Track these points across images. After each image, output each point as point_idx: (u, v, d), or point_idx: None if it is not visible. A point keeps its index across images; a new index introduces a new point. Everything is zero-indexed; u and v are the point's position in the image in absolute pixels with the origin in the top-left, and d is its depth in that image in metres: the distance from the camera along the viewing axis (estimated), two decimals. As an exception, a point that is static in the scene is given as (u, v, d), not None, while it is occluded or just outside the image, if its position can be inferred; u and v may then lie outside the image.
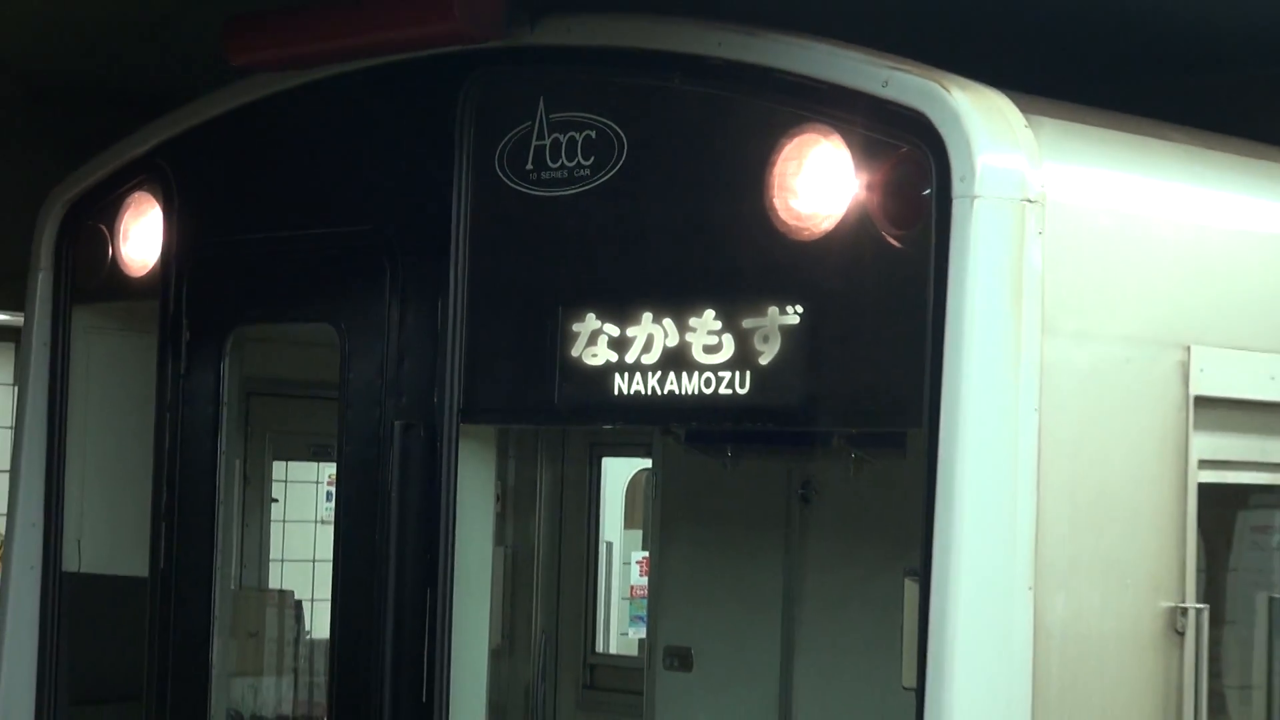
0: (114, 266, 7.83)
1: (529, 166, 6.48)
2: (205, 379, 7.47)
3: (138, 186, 7.76)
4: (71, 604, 7.95)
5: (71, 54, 8.23)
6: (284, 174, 7.38)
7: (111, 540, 7.88)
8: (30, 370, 8.09)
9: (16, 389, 8.22)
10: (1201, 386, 5.99)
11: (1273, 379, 6.26)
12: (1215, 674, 6.20)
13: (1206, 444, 6.05)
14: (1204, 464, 6.05)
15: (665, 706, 8.34)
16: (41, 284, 8.07)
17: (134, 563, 7.66)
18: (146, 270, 7.72)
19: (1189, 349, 5.97)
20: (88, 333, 8.05)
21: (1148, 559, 5.85)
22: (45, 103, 8.65)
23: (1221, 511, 6.39)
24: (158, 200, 7.67)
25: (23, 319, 8.22)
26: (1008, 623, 5.46)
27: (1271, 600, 6.55)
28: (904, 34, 6.13)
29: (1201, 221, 6.24)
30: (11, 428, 8.21)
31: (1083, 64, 7.25)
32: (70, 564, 7.97)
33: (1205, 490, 6.05)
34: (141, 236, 7.73)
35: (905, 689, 5.59)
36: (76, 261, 8.01)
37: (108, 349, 8.04)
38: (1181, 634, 5.87)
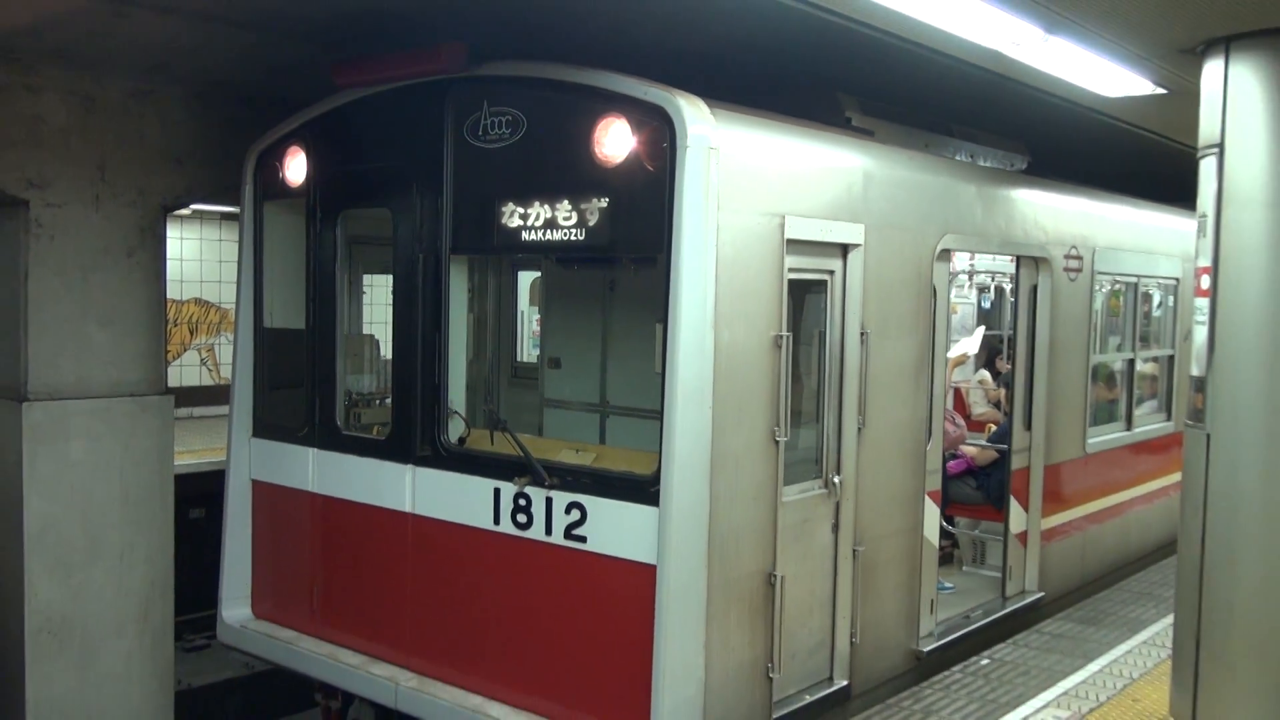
0: (283, 182, 7.50)
1: (480, 133, 6.27)
2: (329, 235, 7.24)
3: (293, 143, 7.41)
4: (269, 342, 7.74)
5: (259, 80, 7.85)
6: (362, 137, 7.07)
7: (286, 309, 7.66)
8: (243, 235, 7.77)
9: (239, 245, 7.90)
10: (790, 234, 6.01)
11: (822, 230, 6.29)
12: (794, 366, 6.30)
13: (792, 261, 6.09)
14: (791, 270, 6.09)
15: (549, 385, 8.31)
16: (248, 192, 7.71)
17: (298, 321, 7.47)
18: (299, 184, 7.40)
19: (784, 216, 5.97)
20: (271, 215, 7.71)
21: (764, 312, 5.90)
22: (249, 105, 8.26)
23: (799, 292, 6.43)
24: (303, 150, 7.35)
25: (239, 209, 7.89)
26: (701, 342, 5.53)
27: (819, 332, 6.64)
28: (661, 68, 5.99)
29: (794, 160, 6.20)
30: (236, 262, 7.91)
31: (742, 82, 7.11)
32: (267, 322, 7.74)
33: (792, 283, 6.11)
34: (296, 168, 7.41)
35: (656, 372, 5.64)
36: (264, 180, 7.65)
37: (281, 223, 7.71)
38: (780, 347, 5.95)
